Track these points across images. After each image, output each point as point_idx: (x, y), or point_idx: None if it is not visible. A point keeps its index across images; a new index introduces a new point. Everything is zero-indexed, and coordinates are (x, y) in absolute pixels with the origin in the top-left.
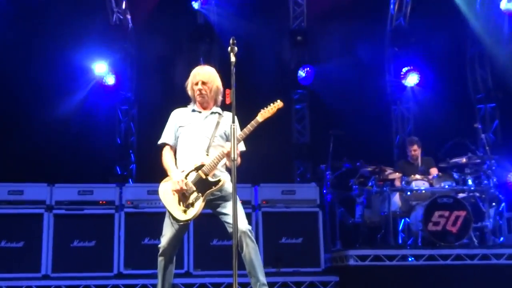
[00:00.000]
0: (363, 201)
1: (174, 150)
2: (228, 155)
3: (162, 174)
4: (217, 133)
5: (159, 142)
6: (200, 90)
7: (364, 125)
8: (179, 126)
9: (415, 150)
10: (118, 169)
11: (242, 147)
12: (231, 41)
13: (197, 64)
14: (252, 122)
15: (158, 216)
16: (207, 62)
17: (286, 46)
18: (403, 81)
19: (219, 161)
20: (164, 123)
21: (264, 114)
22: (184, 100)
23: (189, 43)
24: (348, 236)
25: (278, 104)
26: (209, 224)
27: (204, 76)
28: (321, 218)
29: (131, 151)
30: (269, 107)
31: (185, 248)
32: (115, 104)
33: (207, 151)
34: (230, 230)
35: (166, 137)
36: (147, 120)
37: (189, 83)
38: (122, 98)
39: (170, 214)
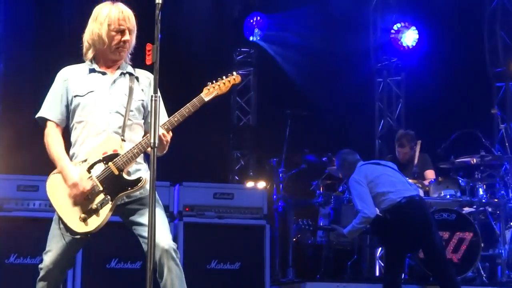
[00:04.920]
0: (330, 213)
1: (62, 130)
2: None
3: (42, 159)
4: (133, 106)
5: (37, 115)
6: (125, 43)
7: (335, 103)
8: (75, 96)
9: (405, 153)
10: None
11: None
12: None
13: None
14: (194, 100)
15: (32, 224)
16: None
17: None
18: (398, 39)
19: (140, 152)
20: (48, 86)
21: (212, 90)
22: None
23: None
24: (306, 263)
25: (234, 78)
26: (105, 236)
27: (129, 22)
28: (269, 234)
29: None
30: (220, 82)
31: (69, 271)
32: None
33: (123, 133)
34: (146, 247)
35: (48, 109)
36: (19, 79)
37: (103, 26)
38: None
39: (63, 222)
